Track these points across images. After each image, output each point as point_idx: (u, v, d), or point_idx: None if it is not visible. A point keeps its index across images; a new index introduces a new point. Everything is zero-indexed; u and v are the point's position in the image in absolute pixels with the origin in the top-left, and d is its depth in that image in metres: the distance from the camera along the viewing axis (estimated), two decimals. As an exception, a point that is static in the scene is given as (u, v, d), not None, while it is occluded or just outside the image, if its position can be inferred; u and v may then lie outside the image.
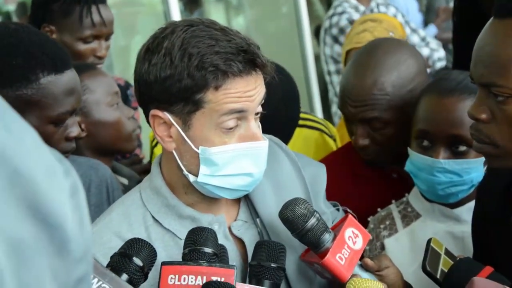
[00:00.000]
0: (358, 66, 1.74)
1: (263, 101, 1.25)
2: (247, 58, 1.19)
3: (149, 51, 1.22)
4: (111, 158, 1.95)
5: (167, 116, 1.22)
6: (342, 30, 3.51)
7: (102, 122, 1.85)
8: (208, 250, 1.16)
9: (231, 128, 1.21)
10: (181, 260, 1.18)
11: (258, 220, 1.32)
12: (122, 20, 4.35)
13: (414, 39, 3.43)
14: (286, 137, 1.86)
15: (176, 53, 1.18)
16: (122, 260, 1.17)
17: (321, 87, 4.47)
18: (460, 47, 2.21)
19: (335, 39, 3.55)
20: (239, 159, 1.23)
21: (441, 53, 3.49)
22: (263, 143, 1.25)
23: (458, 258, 1.40)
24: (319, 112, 4.48)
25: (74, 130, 1.55)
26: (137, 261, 1.17)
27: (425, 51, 3.41)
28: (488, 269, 1.30)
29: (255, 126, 1.24)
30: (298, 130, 2.13)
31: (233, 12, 5.60)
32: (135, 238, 1.20)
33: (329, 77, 3.69)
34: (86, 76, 1.83)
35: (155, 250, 1.20)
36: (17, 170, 0.59)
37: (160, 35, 1.22)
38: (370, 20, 2.35)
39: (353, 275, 1.25)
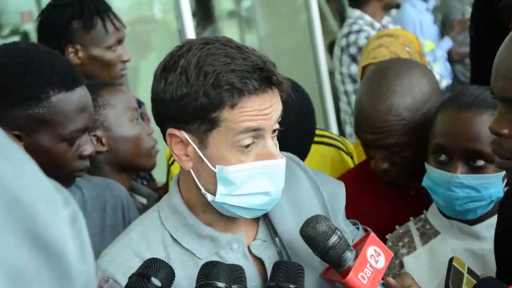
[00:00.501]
0: (371, 91, 1.72)
1: (280, 119, 1.24)
2: (263, 76, 1.18)
3: (165, 69, 1.22)
4: (130, 176, 1.95)
5: (184, 135, 1.22)
6: (361, 49, 3.47)
7: (122, 137, 1.84)
8: (220, 284, 1.15)
9: (247, 146, 1.20)
10: None
11: (277, 239, 1.31)
12: (137, 37, 4.38)
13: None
14: (301, 154, 1.85)
15: (192, 72, 1.18)
16: (140, 281, 1.16)
17: (336, 103, 4.46)
18: (478, 61, 2.19)
19: (353, 58, 3.51)
20: (256, 177, 1.22)
21: (445, 82, 3.45)
22: (280, 162, 1.24)
23: (481, 278, 1.38)
24: (334, 128, 4.47)
25: (88, 148, 1.54)
26: (156, 281, 1.16)
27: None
28: None
29: (272, 144, 1.23)
30: (314, 147, 2.12)
31: (246, 28, 5.63)
32: (153, 258, 1.20)
33: (346, 97, 3.64)
34: (106, 91, 1.84)
35: (173, 270, 1.19)
36: (16, 198, 0.59)
37: (176, 53, 1.22)
38: (386, 36, 2.34)
39: None
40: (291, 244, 1.30)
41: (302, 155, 1.84)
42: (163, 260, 1.19)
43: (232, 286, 1.17)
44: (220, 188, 1.22)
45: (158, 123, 1.27)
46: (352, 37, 3.54)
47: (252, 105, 1.18)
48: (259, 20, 5.50)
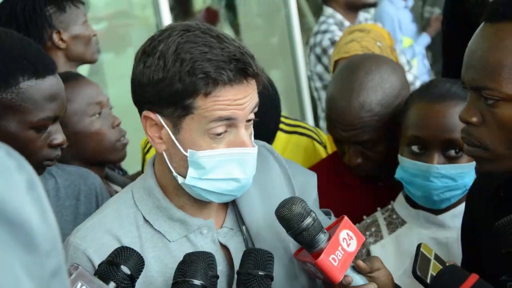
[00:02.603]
0: (342, 88, 1.74)
1: (256, 109, 1.26)
2: (239, 67, 1.20)
3: (145, 53, 1.23)
4: (101, 168, 1.94)
5: (159, 118, 1.23)
6: (324, 51, 3.51)
7: (81, 133, 1.82)
8: (197, 282, 1.16)
9: (219, 134, 1.22)
10: None
11: (244, 227, 1.32)
12: (114, 32, 4.35)
13: (402, 60, 3.45)
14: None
15: (170, 57, 1.19)
16: (109, 268, 1.17)
17: (313, 97, 4.49)
18: (450, 54, 2.23)
19: (319, 59, 3.55)
20: (226, 164, 1.24)
21: (418, 82, 3.49)
22: (251, 150, 1.25)
23: (446, 264, 1.40)
24: (310, 121, 4.49)
25: (58, 137, 1.53)
26: (125, 269, 1.17)
27: (409, 77, 3.40)
28: (474, 277, 1.28)
29: (245, 133, 1.25)
30: (288, 137, 2.13)
31: (224, 22, 5.62)
32: (123, 247, 1.21)
33: (317, 92, 3.70)
34: (67, 86, 1.79)
35: (143, 259, 1.21)
36: None
37: (157, 38, 1.24)
38: (358, 30, 2.36)
39: (345, 277, 1.25)
40: (257, 233, 1.32)
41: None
42: (133, 249, 1.20)
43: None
44: (191, 171, 1.24)
45: (136, 104, 1.28)
46: (318, 37, 3.57)
47: (226, 95, 1.20)
48: (238, 14, 5.51)
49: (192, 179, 1.24)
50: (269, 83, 1.90)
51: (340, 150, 1.80)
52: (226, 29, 5.45)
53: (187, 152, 1.23)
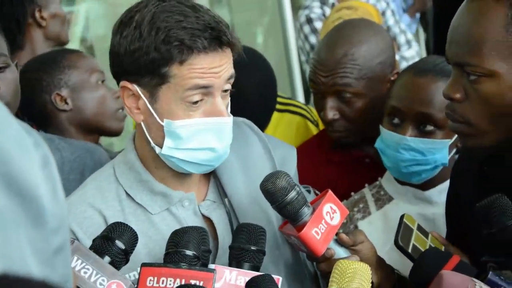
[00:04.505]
0: (328, 40, 1.80)
1: (232, 79, 1.28)
2: (214, 35, 1.22)
3: (122, 24, 1.26)
4: (96, 139, 1.97)
5: (136, 88, 1.26)
6: (301, 26, 3.54)
7: (87, 96, 1.88)
8: (189, 252, 1.17)
9: (195, 103, 1.24)
10: (162, 261, 1.19)
11: (226, 200, 1.35)
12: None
13: (401, 39, 3.45)
14: (262, 123, 1.87)
15: (145, 27, 1.22)
16: (104, 243, 1.19)
17: (304, 75, 4.50)
18: (440, 31, 2.24)
19: (298, 33, 3.59)
20: (202, 133, 1.26)
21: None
22: (227, 119, 1.27)
23: (429, 235, 1.43)
24: (300, 97, 4.50)
25: None
26: (119, 244, 1.19)
27: (397, 56, 3.41)
28: (455, 259, 1.30)
29: (221, 102, 1.27)
30: (280, 115, 2.15)
31: (217, 2, 5.60)
32: (117, 222, 1.23)
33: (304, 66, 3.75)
34: (71, 55, 1.91)
35: (136, 234, 1.23)
36: None
37: (134, 9, 1.26)
38: (345, 8, 2.38)
39: (328, 249, 1.28)
40: (239, 205, 1.34)
41: (262, 125, 1.87)
42: (127, 224, 1.22)
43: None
44: (168, 142, 1.26)
45: (114, 76, 1.31)
46: (300, 12, 3.61)
47: (201, 62, 1.22)
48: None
49: (168, 149, 1.26)
50: (264, 63, 1.93)
51: (318, 106, 1.81)
52: (216, 8, 5.43)
53: (163, 122, 1.25)
